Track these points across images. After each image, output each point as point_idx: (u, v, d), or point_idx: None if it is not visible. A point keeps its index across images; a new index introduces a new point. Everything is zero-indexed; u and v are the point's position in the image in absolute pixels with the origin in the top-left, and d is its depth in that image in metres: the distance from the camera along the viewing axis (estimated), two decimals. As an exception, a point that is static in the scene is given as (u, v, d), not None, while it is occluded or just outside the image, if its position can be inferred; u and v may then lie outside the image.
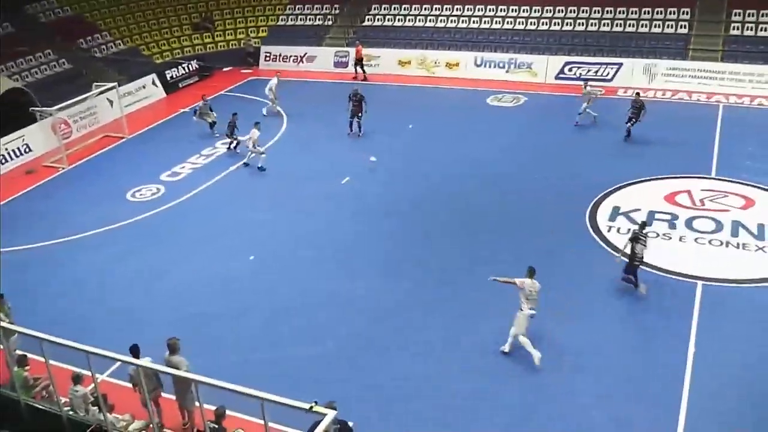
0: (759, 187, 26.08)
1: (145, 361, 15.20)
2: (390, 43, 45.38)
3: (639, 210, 24.91)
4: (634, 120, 30.45)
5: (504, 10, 44.68)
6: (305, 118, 36.41)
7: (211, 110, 34.91)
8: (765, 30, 38.95)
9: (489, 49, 43.03)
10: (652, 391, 16.81)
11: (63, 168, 32.54)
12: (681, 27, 40.69)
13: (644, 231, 20.72)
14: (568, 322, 19.29)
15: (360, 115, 33.00)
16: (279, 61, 47.04)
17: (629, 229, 23.46)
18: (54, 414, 14.91)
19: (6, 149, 33.01)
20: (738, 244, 22.78)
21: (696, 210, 24.90)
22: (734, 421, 15.82)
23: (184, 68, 44.45)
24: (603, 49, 40.85)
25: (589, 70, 39.89)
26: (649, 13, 41.64)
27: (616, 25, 42.01)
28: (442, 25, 45.70)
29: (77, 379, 15.44)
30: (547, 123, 33.09)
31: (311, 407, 11.95)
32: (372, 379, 17.68)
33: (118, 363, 15.81)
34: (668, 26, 40.93)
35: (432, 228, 24.96)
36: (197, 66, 45.33)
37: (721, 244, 22.85)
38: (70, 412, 15.13)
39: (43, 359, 14.47)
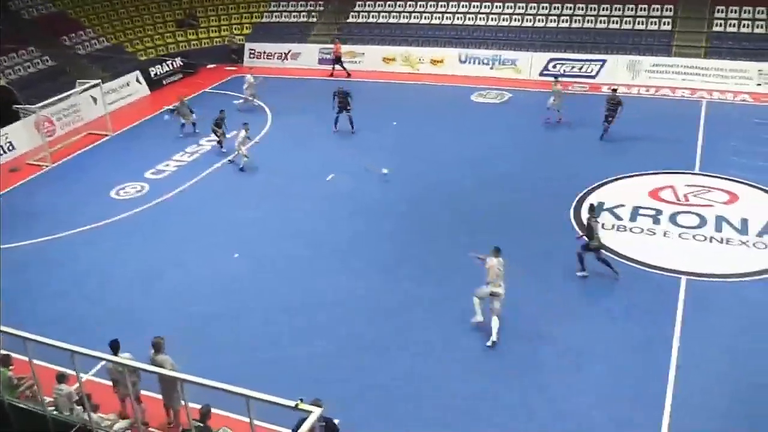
0: (742, 183, 26.21)
1: (125, 358, 15.23)
2: (374, 40, 45.31)
3: (623, 206, 25.03)
4: (611, 119, 30.22)
5: (488, 7, 44.71)
6: (290, 116, 36.29)
7: (191, 111, 34.67)
8: (748, 26, 39.15)
9: (473, 45, 43.04)
10: (636, 386, 16.89)
11: (47, 166, 32.39)
12: (664, 24, 40.84)
13: (594, 214, 21.45)
14: (557, 321, 19.38)
15: (348, 109, 32.96)
16: (263, 58, 47.00)
17: (613, 225, 23.69)
18: (38, 414, 14.86)
19: (-11, 147, 32.85)
20: (722, 239, 22.90)
21: (680, 205, 25.00)
22: (719, 416, 15.89)
23: (168, 65, 44.33)
24: (587, 46, 40.93)
25: (573, 67, 40.02)
26: (632, 10, 41.76)
27: (600, 22, 42.08)
28: (426, 21, 45.67)
29: (61, 378, 15.40)
30: (531, 119, 33.08)
31: (297, 405, 11.94)
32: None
33: (103, 362, 15.76)
34: (652, 23, 41.08)
35: (412, 224, 25.01)
36: (181, 63, 45.18)
37: (705, 239, 22.96)
38: (55, 412, 15.08)
39: (26, 358, 14.43)
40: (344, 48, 44.32)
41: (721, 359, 17.63)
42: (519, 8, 44.01)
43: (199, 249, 24.21)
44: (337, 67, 43.17)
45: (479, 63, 42.10)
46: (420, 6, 46.34)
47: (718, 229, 23.40)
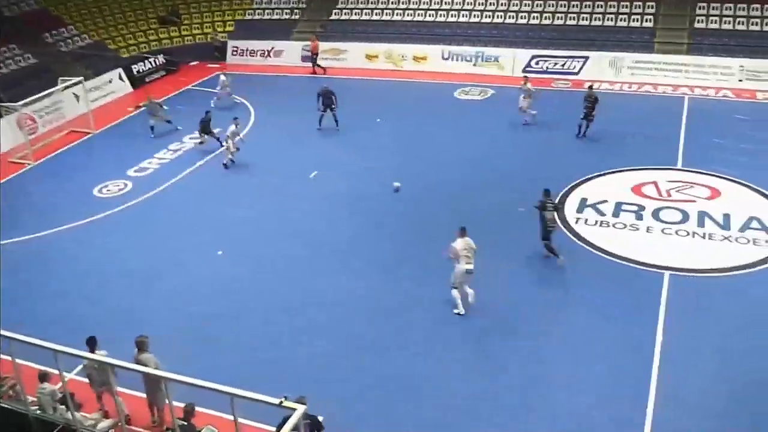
0: (724, 178, 26.35)
1: (101, 355, 15.24)
2: (358, 37, 45.24)
3: (606, 201, 25.11)
4: (591, 117, 30.02)
5: (471, 4, 44.77)
6: (274, 113, 36.22)
7: (161, 106, 34.61)
8: (729, 23, 39.39)
9: (456, 42, 43.06)
10: (621, 382, 16.95)
11: (29, 164, 32.18)
12: (646, 20, 41.02)
13: (549, 198, 21.84)
14: (545, 318, 19.46)
15: (333, 107, 32.93)
16: (246, 55, 46.88)
17: (596, 221, 23.77)
18: (21, 413, 14.79)
19: (-30, 145, 32.62)
20: (704, 234, 23.02)
21: (662, 201, 25.11)
22: (703, 411, 15.97)
23: (150, 63, 44.14)
24: (570, 43, 41.00)
25: (555, 64, 40.13)
26: (614, 7, 41.93)
27: (583, 19, 42.19)
28: (409, 18, 45.71)
29: (44, 377, 15.31)
30: (514, 116, 33.04)
31: (281, 402, 11.96)
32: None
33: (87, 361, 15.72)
34: (634, 20, 41.25)
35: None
36: (164, 60, 45.01)
37: (688, 234, 23.06)
38: (38, 411, 15.01)
39: (8, 357, 14.38)
40: (327, 45, 44.37)
41: (704, 353, 17.70)
42: (501, 5, 44.10)
43: (191, 248, 24.06)
44: (317, 62, 43.18)
45: (462, 60, 42.14)
46: (403, 3, 46.34)
47: (701, 224, 23.52)
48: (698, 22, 40.11)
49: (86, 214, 26.68)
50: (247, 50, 47.09)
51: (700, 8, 40.42)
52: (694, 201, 24.98)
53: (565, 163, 28.38)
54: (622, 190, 25.92)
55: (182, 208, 27.01)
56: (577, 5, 42.62)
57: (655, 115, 33.45)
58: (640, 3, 41.51)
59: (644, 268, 21.39)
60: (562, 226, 23.64)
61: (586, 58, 39.73)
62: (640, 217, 24.14)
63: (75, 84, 36.56)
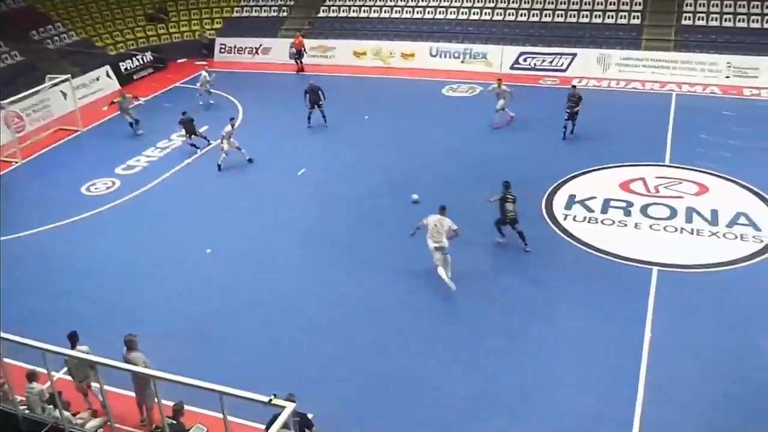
0: (712, 174, 26.44)
1: (83, 351, 15.27)
2: (345, 34, 45.24)
3: (594, 198, 25.17)
4: (576, 115, 29.77)
5: (459, 1, 44.78)
6: (262, 111, 36.23)
7: (136, 98, 34.53)
8: (716, 20, 39.49)
9: (444, 39, 43.11)
10: (610, 379, 17.00)
11: (16, 162, 32.08)
12: (634, 17, 41.11)
13: (509, 191, 22.05)
14: (535, 315, 19.50)
15: (320, 104, 32.88)
16: (234, 52, 46.78)
17: (585, 217, 23.84)
18: (10, 413, 14.72)
19: (-43, 144, 32.46)
20: (692, 230, 23.09)
21: (651, 197, 25.18)
22: (692, 407, 16.03)
23: (138, 60, 44.04)
24: (557, 40, 41.08)
25: (543, 61, 40.18)
26: (602, 4, 42.02)
27: (571, 16, 42.27)
28: (397, 15, 45.68)
29: (32, 376, 15.25)
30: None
31: (270, 400, 11.93)
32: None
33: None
34: (622, 17, 41.34)
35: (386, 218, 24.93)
36: (152, 58, 44.92)
37: (676, 230, 23.13)
38: (26, 411, 14.96)
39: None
40: (315, 42, 44.41)
41: (692, 349, 17.75)
42: (489, 2, 44.15)
43: (180, 246, 24.00)
44: (301, 60, 43.29)
45: (450, 57, 42.16)
46: (391, 0, 46.28)
47: (689, 220, 23.59)
48: (685, 18, 40.21)
49: (74, 212, 26.61)
50: (234, 48, 46.97)
51: (687, 5, 40.52)
52: (682, 197, 25.05)
53: (553, 159, 28.43)
54: (610, 187, 25.98)
55: (171, 207, 26.94)
56: (564, 2, 42.70)
57: (643, 111, 33.53)
58: (628, 0, 41.57)
59: (632, 264, 21.44)
60: (550, 223, 23.72)
61: (574, 55, 39.79)
62: (628, 214, 24.20)
63: (62, 82, 36.44)
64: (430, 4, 45.25)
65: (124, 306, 20.69)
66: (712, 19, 39.57)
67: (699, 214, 23.90)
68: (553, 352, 18.03)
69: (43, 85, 35.76)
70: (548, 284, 20.91)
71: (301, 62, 43.18)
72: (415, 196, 23.69)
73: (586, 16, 41.90)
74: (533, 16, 42.89)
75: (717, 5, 39.84)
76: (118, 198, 27.70)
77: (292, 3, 48.85)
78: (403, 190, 24.88)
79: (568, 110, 29.93)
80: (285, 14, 48.46)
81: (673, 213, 24.04)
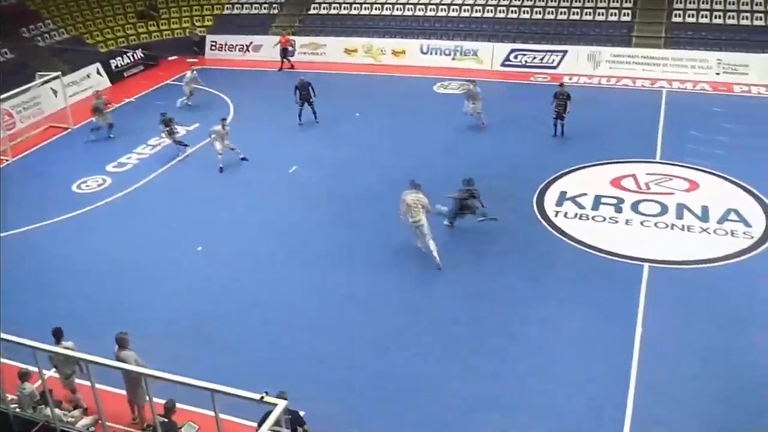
0: (702, 170, 26.52)
1: (68, 347, 15.39)
2: (336, 31, 45.21)
3: (586, 194, 25.20)
4: (564, 114, 29.62)
5: (450, -3, 44.81)
6: (253, 108, 36.12)
7: (100, 108, 33.87)
8: (706, 17, 39.60)
9: (435, 36, 43.13)
10: (606, 377, 17.03)
11: (7, 160, 31.92)
12: (624, 14, 41.20)
13: (472, 186, 22.94)
14: (531, 314, 19.55)
15: (311, 101, 32.86)
16: (225, 50, 46.67)
17: (576, 214, 23.89)
18: (1, 412, 14.70)
19: (-53, 142, 32.28)
20: (683, 226, 23.14)
21: (641, 193, 25.24)
22: (683, 404, 16.09)
23: (129, 57, 43.89)
24: (548, 37, 41.18)
25: (534, 58, 40.25)
26: (593, 1, 42.08)
27: (561, 13, 42.31)
28: (388, 12, 45.62)
29: (24, 376, 15.23)
30: (492, 110, 33.01)
31: (262, 397, 11.96)
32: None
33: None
34: (612, 14, 41.42)
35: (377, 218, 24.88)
36: (142, 55, 44.79)
37: (667, 226, 23.20)
38: (17, 410, 14.93)
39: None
40: (305, 40, 44.53)
41: (683, 345, 17.81)
42: (480, -1, 44.17)
43: (172, 244, 23.93)
44: (287, 58, 43.24)
45: (441, 54, 42.18)
46: (381, -3, 46.35)
47: (680, 216, 23.65)
48: (676, 16, 40.31)
49: (66, 209, 26.51)
50: (225, 45, 46.86)
51: (677, 2, 40.64)
52: (673, 193, 25.11)
53: (544, 156, 28.50)
54: (601, 183, 26.02)
55: (162, 205, 26.84)
56: (555, -1, 42.79)
57: (634, 108, 33.62)
58: (618, -3, 41.76)
59: (623, 260, 21.50)
60: (541, 219, 23.77)
61: (565, 52, 39.87)
62: (619, 210, 24.25)
63: (53, 79, 36.25)
64: (420, 1, 45.17)
65: (123, 305, 20.53)
66: (702, 16, 39.68)
67: (690, 210, 23.96)
68: (551, 351, 18.03)
69: (33, 83, 35.58)
70: (542, 281, 20.89)
71: (289, 60, 43.08)
72: (439, 207, 23.48)
73: (577, 13, 41.97)
74: (524, 12, 42.92)
75: (707, 2, 39.97)
76: (109, 195, 27.60)
77: (282, 0, 48.77)
78: (399, 188, 24.87)
79: (556, 109, 29.80)
80: (276, 11, 48.39)
81: (664, 209, 24.10)
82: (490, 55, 41.15)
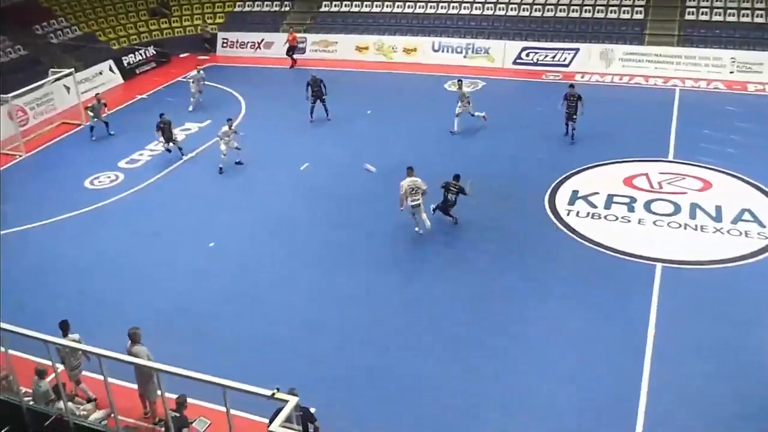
0: (716, 170, 26.39)
1: (74, 339, 15.53)
2: (347, 29, 45.22)
3: (598, 193, 25.13)
4: (575, 116, 29.15)
5: (462, -5, 44.72)
6: (265, 106, 36.14)
7: (102, 104, 33.93)
8: (720, 14, 39.41)
9: (446, 34, 43.03)
10: (612, 377, 16.98)
11: (20, 155, 32.11)
12: (637, 12, 41.03)
13: (457, 181, 23.50)
14: (537, 313, 19.51)
15: (323, 98, 32.85)
16: (236, 47, 46.75)
17: (588, 213, 23.82)
18: (14, 404, 14.74)
19: (-39, 137, 32.46)
20: (696, 226, 23.05)
21: (654, 193, 25.16)
22: (695, 402, 16.04)
23: (141, 54, 44.05)
24: (560, 35, 41.05)
25: (546, 56, 40.11)
26: (606, -1, 42.01)
27: (573, 11, 42.16)
28: (399, 10, 45.57)
29: (41, 373, 15.29)
30: (504, 108, 33.03)
31: (273, 394, 11.96)
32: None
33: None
34: (624, 11, 41.25)
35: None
36: (154, 52, 44.89)
37: (680, 226, 23.10)
38: (31, 403, 14.98)
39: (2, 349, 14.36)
40: (317, 37, 44.57)
41: (696, 346, 17.75)
42: (492, -4, 44.07)
43: (183, 241, 24.01)
44: (294, 55, 43.33)
45: (452, 52, 42.09)
46: (393, -5, 46.31)
47: (693, 216, 23.56)
48: (689, 13, 40.11)
49: (79, 205, 26.65)
50: (237, 42, 46.96)
51: (690, 0, 40.47)
52: (686, 193, 25.02)
53: (556, 155, 28.43)
54: (613, 182, 25.94)
55: (175, 201, 26.95)
56: (568, -3, 42.66)
57: (646, 107, 33.46)
58: (631, -5, 41.60)
59: (636, 260, 21.43)
60: (553, 218, 23.72)
61: (577, 50, 39.73)
62: (631, 209, 24.17)
63: (65, 76, 36.49)
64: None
65: (123, 305, 20.57)
66: (716, 14, 39.49)
67: (703, 210, 23.87)
68: (555, 351, 18.00)
69: (46, 79, 35.78)
70: (551, 280, 20.85)
71: (293, 58, 43.11)
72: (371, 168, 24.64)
73: (589, 11, 41.80)
74: (536, 10, 42.78)
75: (721, 0, 39.76)
76: (121, 191, 27.72)
77: (294, -3, 48.86)
78: (383, 189, 24.98)
79: (567, 111, 29.41)
80: (287, 9, 48.39)
81: (677, 209, 24.01)
82: (501, 53, 41.04)
